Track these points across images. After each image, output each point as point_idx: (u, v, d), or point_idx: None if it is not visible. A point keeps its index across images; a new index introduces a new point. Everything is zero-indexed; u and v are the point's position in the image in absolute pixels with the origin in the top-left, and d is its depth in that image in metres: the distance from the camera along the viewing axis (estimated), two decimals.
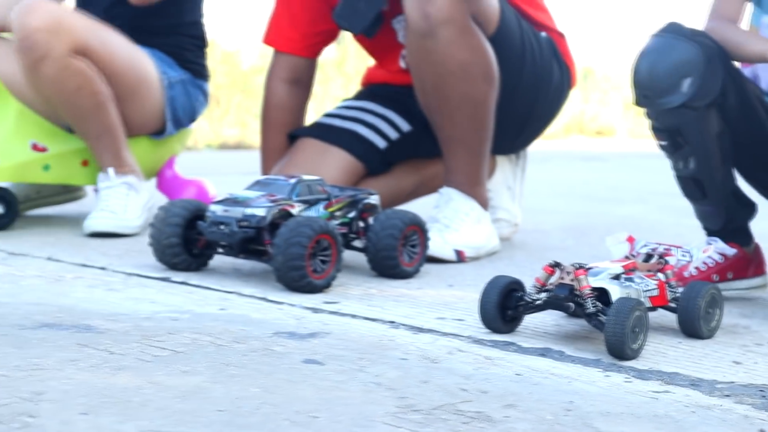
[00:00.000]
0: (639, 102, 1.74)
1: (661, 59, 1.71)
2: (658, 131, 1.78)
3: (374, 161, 2.48)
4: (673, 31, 1.74)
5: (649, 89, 1.73)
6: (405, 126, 2.48)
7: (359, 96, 2.66)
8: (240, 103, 8.03)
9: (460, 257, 2.14)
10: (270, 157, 2.53)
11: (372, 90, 2.64)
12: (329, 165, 2.40)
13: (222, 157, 5.80)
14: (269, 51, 3.04)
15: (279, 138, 2.53)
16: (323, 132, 2.46)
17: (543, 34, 2.44)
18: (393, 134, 2.49)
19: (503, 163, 2.59)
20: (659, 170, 1.97)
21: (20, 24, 2.23)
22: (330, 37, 2.59)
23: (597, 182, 4.34)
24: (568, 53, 2.53)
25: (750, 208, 1.85)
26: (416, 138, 2.43)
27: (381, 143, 2.48)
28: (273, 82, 2.53)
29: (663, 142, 1.79)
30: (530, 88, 2.37)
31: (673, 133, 1.75)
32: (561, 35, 2.51)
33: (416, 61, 2.21)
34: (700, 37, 1.73)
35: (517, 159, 2.64)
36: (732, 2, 1.83)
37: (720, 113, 1.72)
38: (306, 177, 1.95)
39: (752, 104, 1.76)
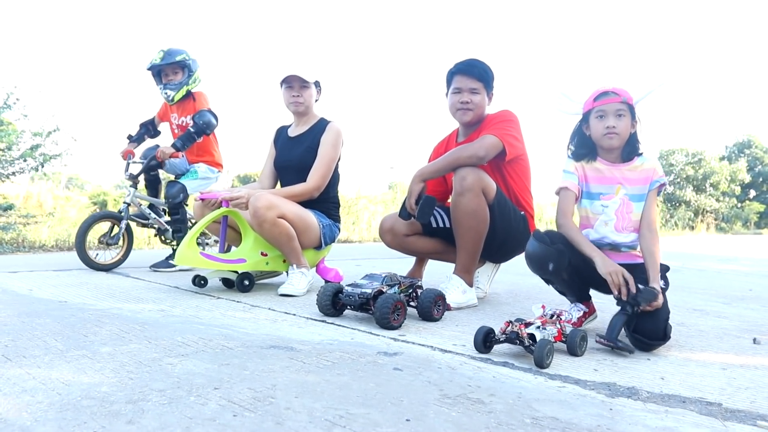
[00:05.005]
0: (533, 271, 1.83)
1: (535, 255, 1.78)
2: (545, 280, 1.87)
3: (427, 229, 2.51)
4: (539, 239, 1.77)
5: (533, 267, 1.81)
6: (448, 223, 2.44)
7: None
8: (346, 219, 8.00)
9: (448, 307, 2.08)
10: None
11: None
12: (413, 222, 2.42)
13: (340, 247, 5.85)
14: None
15: None
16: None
17: (522, 213, 2.38)
18: (440, 223, 2.48)
19: (489, 264, 2.53)
20: None
21: (252, 204, 2.29)
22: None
23: (518, 264, 4.20)
24: (533, 225, 2.43)
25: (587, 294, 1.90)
26: (448, 232, 2.38)
27: (434, 223, 2.49)
28: None
29: (547, 282, 1.89)
30: (503, 233, 2.29)
31: (549, 281, 1.86)
32: (531, 216, 2.43)
33: (453, 205, 2.20)
34: (557, 243, 1.76)
35: (496, 265, 2.58)
36: (568, 204, 1.83)
37: (571, 268, 1.76)
38: (390, 273, 1.97)
39: (581, 260, 1.75)
